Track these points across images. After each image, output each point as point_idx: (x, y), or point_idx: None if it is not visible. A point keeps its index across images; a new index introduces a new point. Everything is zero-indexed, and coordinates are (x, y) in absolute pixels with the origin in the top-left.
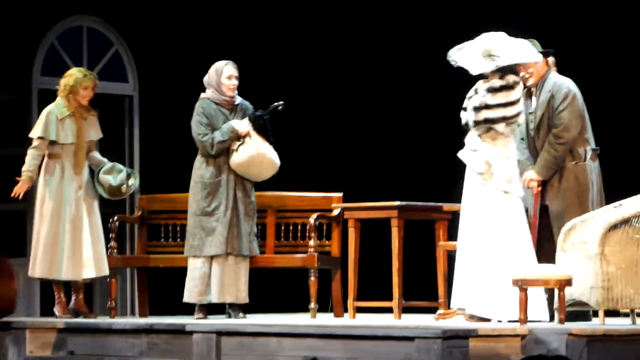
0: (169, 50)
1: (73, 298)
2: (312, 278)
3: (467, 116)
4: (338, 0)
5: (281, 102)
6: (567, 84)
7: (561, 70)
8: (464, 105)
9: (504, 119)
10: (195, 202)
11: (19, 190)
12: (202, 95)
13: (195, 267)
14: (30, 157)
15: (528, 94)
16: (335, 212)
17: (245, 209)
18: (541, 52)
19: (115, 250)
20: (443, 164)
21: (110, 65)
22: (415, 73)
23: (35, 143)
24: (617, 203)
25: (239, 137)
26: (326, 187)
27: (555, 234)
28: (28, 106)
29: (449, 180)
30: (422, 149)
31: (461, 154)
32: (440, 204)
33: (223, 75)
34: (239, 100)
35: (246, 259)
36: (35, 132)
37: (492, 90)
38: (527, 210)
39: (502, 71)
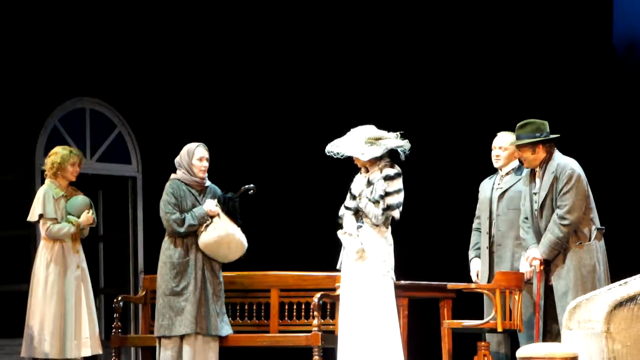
0: (172, 131)
1: None
2: (316, 357)
3: (369, 209)
4: (314, 84)
5: (252, 186)
6: (571, 165)
7: (565, 148)
8: (356, 199)
9: (399, 206)
10: (164, 282)
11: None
12: (173, 175)
13: (166, 347)
14: (58, 227)
15: (532, 175)
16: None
17: (214, 289)
18: (549, 138)
19: (119, 330)
20: (446, 243)
21: (113, 147)
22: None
23: (42, 223)
24: (622, 281)
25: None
26: (330, 267)
27: (559, 313)
28: (30, 187)
29: (453, 259)
30: (425, 228)
31: (340, 234)
32: (444, 283)
33: (195, 156)
34: (208, 183)
35: (215, 339)
36: (37, 211)
37: (389, 178)
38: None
39: (381, 159)
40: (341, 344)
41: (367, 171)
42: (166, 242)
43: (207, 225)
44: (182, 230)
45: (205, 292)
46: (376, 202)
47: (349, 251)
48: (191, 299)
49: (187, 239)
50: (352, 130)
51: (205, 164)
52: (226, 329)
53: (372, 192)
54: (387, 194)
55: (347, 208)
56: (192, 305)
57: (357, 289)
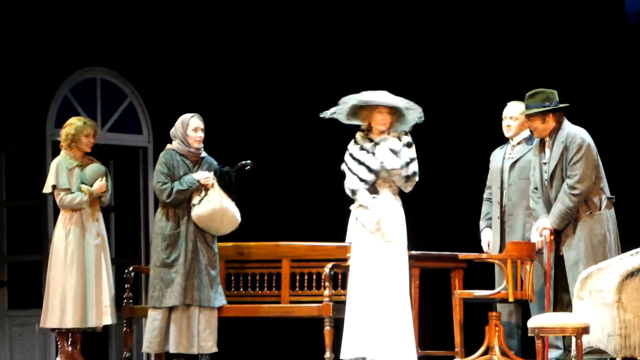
0: (183, 102)
1: (70, 349)
2: (328, 327)
3: (395, 173)
4: (323, 52)
5: (249, 162)
6: (581, 135)
7: (574, 117)
8: (373, 167)
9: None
10: (155, 253)
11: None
12: (168, 146)
13: (155, 319)
14: (71, 197)
15: (541, 144)
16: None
17: (209, 261)
18: (559, 108)
19: (130, 301)
20: (457, 213)
21: (124, 117)
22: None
23: (56, 194)
24: (633, 251)
25: (199, 188)
26: (341, 238)
27: (570, 283)
28: (42, 157)
29: (464, 229)
30: (436, 198)
31: (354, 208)
32: (455, 253)
33: (189, 127)
34: (204, 154)
35: (213, 310)
36: (50, 182)
37: (409, 145)
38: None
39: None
40: (350, 311)
41: (366, 134)
42: (159, 214)
43: (201, 199)
44: (170, 199)
45: (197, 264)
46: (403, 168)
47: (367, 224)
48: (181, 271)
49: (179, 210)
50: (379, 92)
51: (201, 134)
52: (220, 300)
53: (397, 155)
54: (412, 160)
55: (362, 180)
56: (181, 277)
57: (375, 257)
